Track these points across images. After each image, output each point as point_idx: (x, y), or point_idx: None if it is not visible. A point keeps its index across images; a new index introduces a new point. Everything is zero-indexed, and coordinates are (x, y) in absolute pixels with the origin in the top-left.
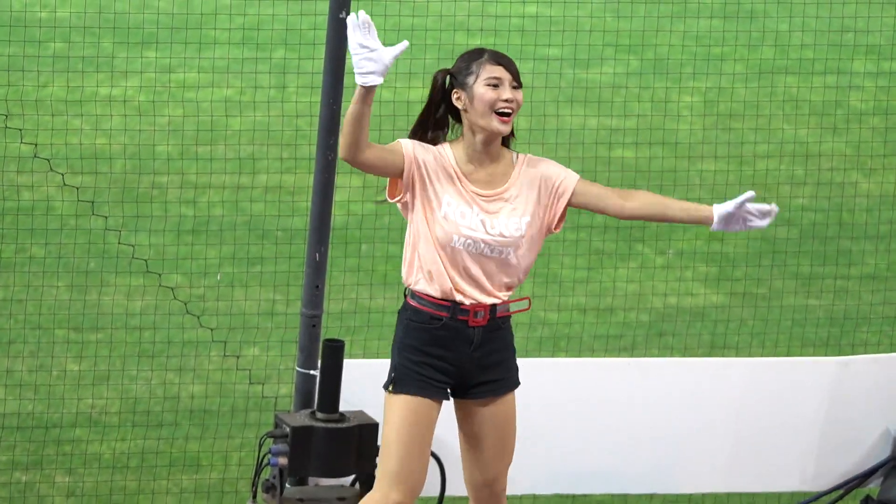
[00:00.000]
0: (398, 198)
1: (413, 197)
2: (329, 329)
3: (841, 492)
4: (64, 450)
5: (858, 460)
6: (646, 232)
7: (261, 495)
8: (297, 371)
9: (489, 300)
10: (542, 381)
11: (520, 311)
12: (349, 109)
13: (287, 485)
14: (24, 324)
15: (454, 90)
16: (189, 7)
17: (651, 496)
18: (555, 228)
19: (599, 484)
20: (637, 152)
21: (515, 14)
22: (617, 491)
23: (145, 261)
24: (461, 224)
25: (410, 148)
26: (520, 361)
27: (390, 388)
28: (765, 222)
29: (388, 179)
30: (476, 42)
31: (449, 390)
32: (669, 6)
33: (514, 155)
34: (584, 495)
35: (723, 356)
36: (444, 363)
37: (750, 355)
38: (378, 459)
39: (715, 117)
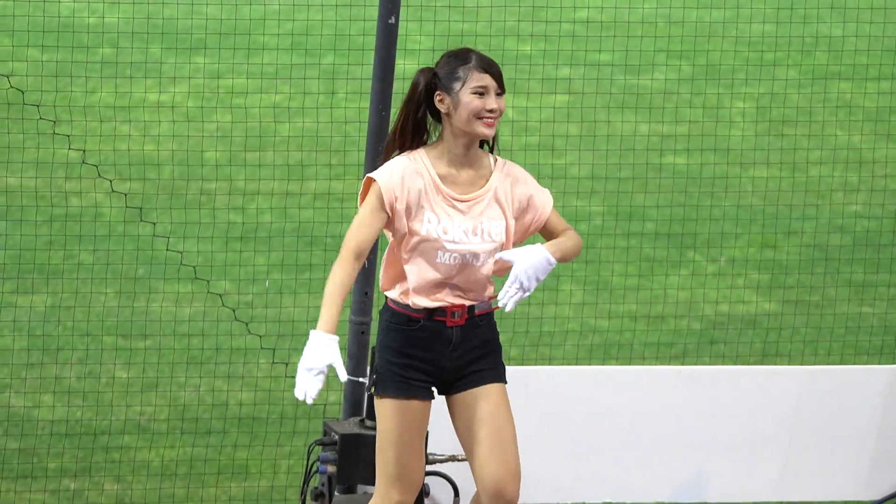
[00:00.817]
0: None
1: (393, 224)
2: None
3: (895, 501)
4: (112, 457)
5: None
6: (697, 239)
7: (310, 503)
8: (347, 378)
9: (467, 302)
10: (592, 389)
11: (496, 308)
12: (325, 295)
13: (336, 493)
14: (72, 331)
15: (437, 91)
16: (238, 13)
17: None
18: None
19: (649, 492)
20: (689, 159)
21: (566, 19)
22: (667, 500)
23: (194, 267)
24: (444, 240)
25: (386, 198)
26: (569, 369)
27: (373, 391)
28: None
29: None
30: (527, 48)
31: (433, 388)
32: (722, 11)
33: (492, 159)
34: (633, 503)
35: (775, 364)
36: (424, 364)
37: (803, 363)
38: (376, 462)
39: (767, 123)
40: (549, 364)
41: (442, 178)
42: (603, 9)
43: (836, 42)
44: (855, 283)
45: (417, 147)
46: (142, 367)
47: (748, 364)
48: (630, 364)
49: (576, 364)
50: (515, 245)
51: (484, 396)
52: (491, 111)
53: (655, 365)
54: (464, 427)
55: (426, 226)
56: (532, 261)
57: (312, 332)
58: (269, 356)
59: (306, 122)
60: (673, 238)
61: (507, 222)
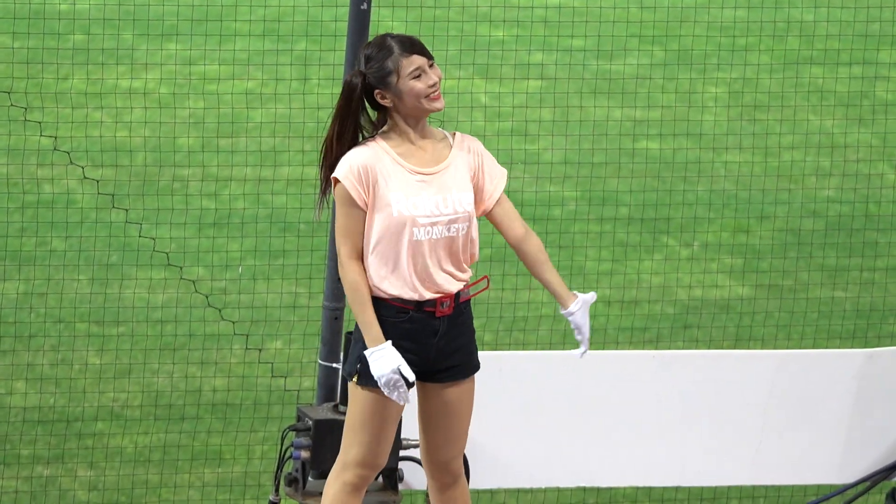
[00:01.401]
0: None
1: (371, 214)
2: (351, 322)
3: (867, 484)
4: (86, 443)
5: (885, 452)
6: (671, 224)
7: (283, 489)
8: (320, 364)
9: (453, 287)
10: (566, 373)
11: (480, 291)
12: (355, 307)
13: (310, 478)
14: (45, 317)
15: (376, 90)
16: None
17: (676, 489)
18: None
19: (624, 477)
20: (662, 144)
21: (539, 5)
22: (641, 484)
23: (167, 254)
24: (417, 216)
25: (355, 194)
26: (543, 354)
27: (355, 379)
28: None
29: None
30: (499, 34)
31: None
32: None
33: (446, 133)
34: (609, 488)
35: (749, 348)
36: (410, 354)
37: (776, 347)
38: (343, 438)
39: (740, 108)
40: (523, 349)
41: (402, 155)
42: None
43: (808, 27)
44: (828, 268)
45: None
46: (115, 354)
47: (722, 348)
48: (604, 349)
49: (549, 349)
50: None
51: (454, 390)
52: (432, 86)
53: (630, 349)
54: (428, 412)
55: (396, 206)
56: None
57: (366, 354)
58: (243, 342)
59: (279, 108)
60: (646, 223)
61: (471, 194)
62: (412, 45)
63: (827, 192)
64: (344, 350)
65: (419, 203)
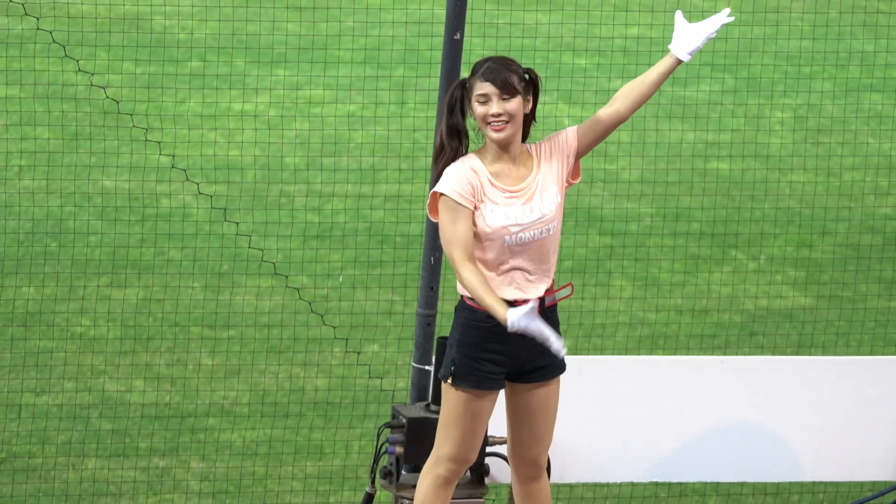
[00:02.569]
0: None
1: (473, 219)
2: (442, 327)
3: None
4: (198, 438)
5: None
6: (739, 238)
7: (379, 481)
8: (413, 366)
9: (537, 292)
10: (641, 377)
11: (565, 297)
12: (479, 295)
13: (403, 472)
14: (162, 321)
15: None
16: (316, 29)
17: (742, 484)
18: (572, 179)
19: (693, 472)
20: (731, 164)
21: (619, 35)
22: (710, 479)
23: (274, 264)
24: (509, 225)
25: (459, 199)
26: (620, 359)
27: (450, 381)
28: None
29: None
30: (582, 62)
31: (504, 378)
32: (763, 28)
33: (531, 147)
34: (679, 483)
35: (810, 354)
36: (500, 356)
37: (836, 354)
38: (437, 436)
39: (804, 132)
40: (602, 354)
41: (494, 175)
42: (652, 25)
43: (869, 56)
44: (885, 280)
45: (466, 150)
46: (226, 356)
47: (785, 354)
48: (676, 354)
49: (626, 354)
50: (570, 180)
51: (542, 390)
52: (494, 115)
53: (699, 355)
54: (517, 411)
55: (490, 216)
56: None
57: (507, 314)
58: (343, 345)
59: (378, 129)
60: (716, 237)
61: (556, 186)
62: (489, 73)
63: (885, 210)
64: (436, 354)
65: (510, 213)
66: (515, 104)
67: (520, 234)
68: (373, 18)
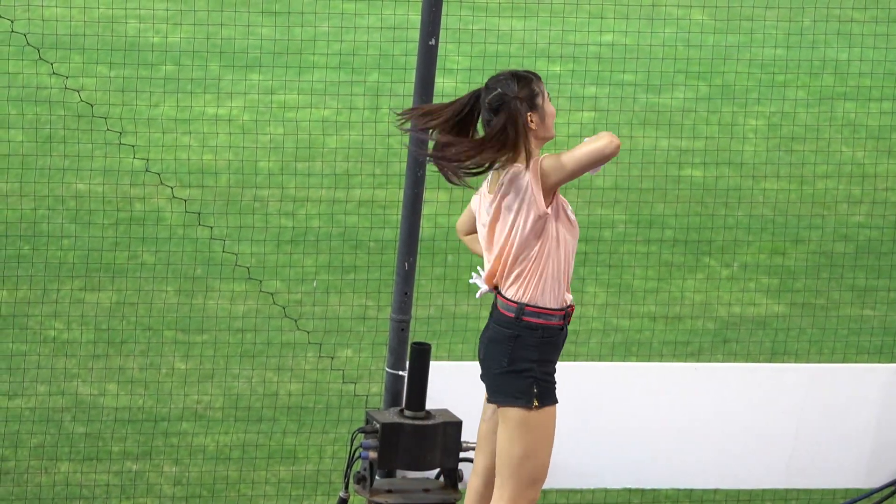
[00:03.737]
0: (549, 207)
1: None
2: (416, 333)
3: (893, 488)
4: (171, 442)
5: None
6: (712, 246)
7: (352, 486)
8: (387, 372)
9: (570, 296)
10: (614, 383)
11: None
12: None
13: (377, 477)
14: (135, 325)
15: (529, 113)
16: (290, 34)
17: (715, 491)
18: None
19: (667, 479)
20: (705, 172)
21: (593, 42)
22: (683, 486)
23: (247, 268)
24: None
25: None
26: (593, 365)
27: (535, 404)
28: None
29: (535, 190)
30: (556, 69)
31: None
32: (737, 36)
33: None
34: (653, 489)
35: (783, 362)
36: (555, 365)
37: (808, 361)
38: (520, 469)
39: (778, 140)
40: (575, 360)
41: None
42: (627, 33)
43: (842, 65)
44: (857, 288)
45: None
46: (199, 360)
47: (758, 362)
48: (649, 361)
49: (599, 360)
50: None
51: None
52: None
53: (673, 362)
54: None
55: (571, 214)
56: None
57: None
58: (316, 350)
59: (352, 134)
60: (690, 244)
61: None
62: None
63: (857, 218)
64: (411, 360)
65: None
66: None
67: (572, 242)
68: (347, 24)
